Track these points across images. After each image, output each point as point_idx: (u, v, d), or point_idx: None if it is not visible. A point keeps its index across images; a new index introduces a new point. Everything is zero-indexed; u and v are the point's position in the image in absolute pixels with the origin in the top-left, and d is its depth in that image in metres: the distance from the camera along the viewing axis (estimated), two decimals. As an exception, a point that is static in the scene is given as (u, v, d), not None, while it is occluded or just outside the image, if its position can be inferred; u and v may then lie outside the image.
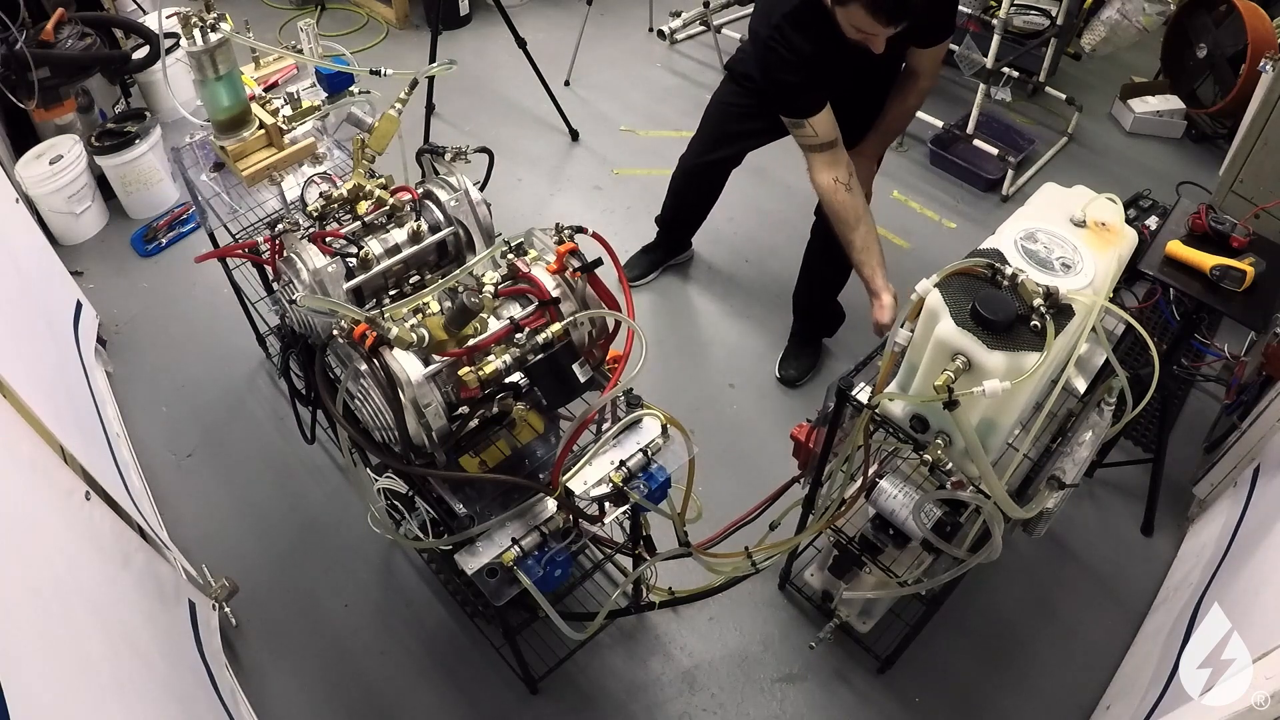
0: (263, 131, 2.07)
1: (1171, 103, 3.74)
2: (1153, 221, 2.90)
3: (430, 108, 3.46)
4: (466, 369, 1.40)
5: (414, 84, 1.93)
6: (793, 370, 2.74)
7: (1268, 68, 2.73)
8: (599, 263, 1.55)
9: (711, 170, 2.67)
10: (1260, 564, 1.66)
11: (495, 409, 1.54)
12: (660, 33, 4.15)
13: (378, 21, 4.44)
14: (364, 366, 1.40)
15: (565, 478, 1.45)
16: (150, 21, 3.36)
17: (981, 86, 3.36)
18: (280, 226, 1.62)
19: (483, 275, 1.52)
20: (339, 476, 2.47)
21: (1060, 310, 1.31)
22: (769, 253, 3.13)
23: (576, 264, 1.52)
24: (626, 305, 1.53)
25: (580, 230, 1.58)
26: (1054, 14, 3.49)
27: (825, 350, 2.82)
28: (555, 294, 1.49)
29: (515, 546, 1.42)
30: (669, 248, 3.05)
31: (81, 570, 1.47)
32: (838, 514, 1.79)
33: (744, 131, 2.48)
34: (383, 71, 2.01)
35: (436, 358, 1.41)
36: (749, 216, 3.24)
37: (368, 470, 1.80)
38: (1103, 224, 1.47)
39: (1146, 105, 3.75)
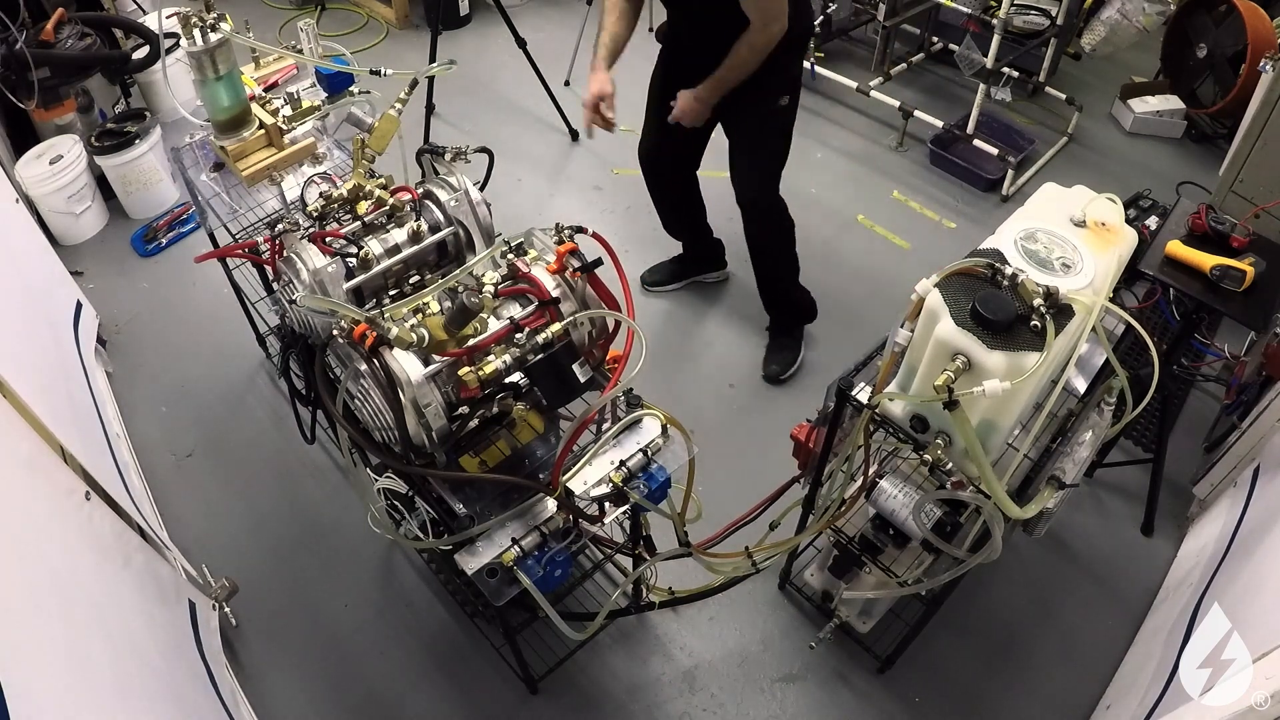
0: (263, 131, 2.07)
1: (1171, 103, 3.74)
2: (1153, 221, 2.91)
3: (430, 108, 3.46)
4: (466, 369, 1.40)
5: (414, 84, 1.93)
6: (775, 366, 2.75)
7: (1268, 68, 2.73)
8: (599, 263, 1.55)
9: (658, 160, 2.62)
10: (1260, 564, 1.66)
11: (495, 409, 1.54)
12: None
13: (378, 21, 4.44)
14: (364, 366, 1.40)
15: (565, 478, 1.45)
16: (150, 21, 3.36)
17: (981, 86, 3.36)
18: (280, 226, 1.62)
19: (483, 275, 1.51)
20: (339, 476, 2.47)
21: (1060, 310, 1.31)
22: (769, 253, 3.12)
23: (576, 264, 1.52)
24: (626, 305, 1.53)
25: (580, 230, 1.58)
26: (1054, 14, 3.49)
27: (809, 339, 2.80)
28: (555, 294, 1.49)
29: (515, 546, 1.42)
30: (694, 260, 3.01)
31: (81, 570, 1.47)
32: (838, 514, 1.79)
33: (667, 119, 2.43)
34: (383, 71, 2.01)
35: (436, 358, 1.41)
36: (749, 216, 3.24)
37: (368, 470, 1.80)
38: (1103, 224, 1.47)
39: (1146, 105, 3.75)
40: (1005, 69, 3.60)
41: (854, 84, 3.70)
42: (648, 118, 2.55)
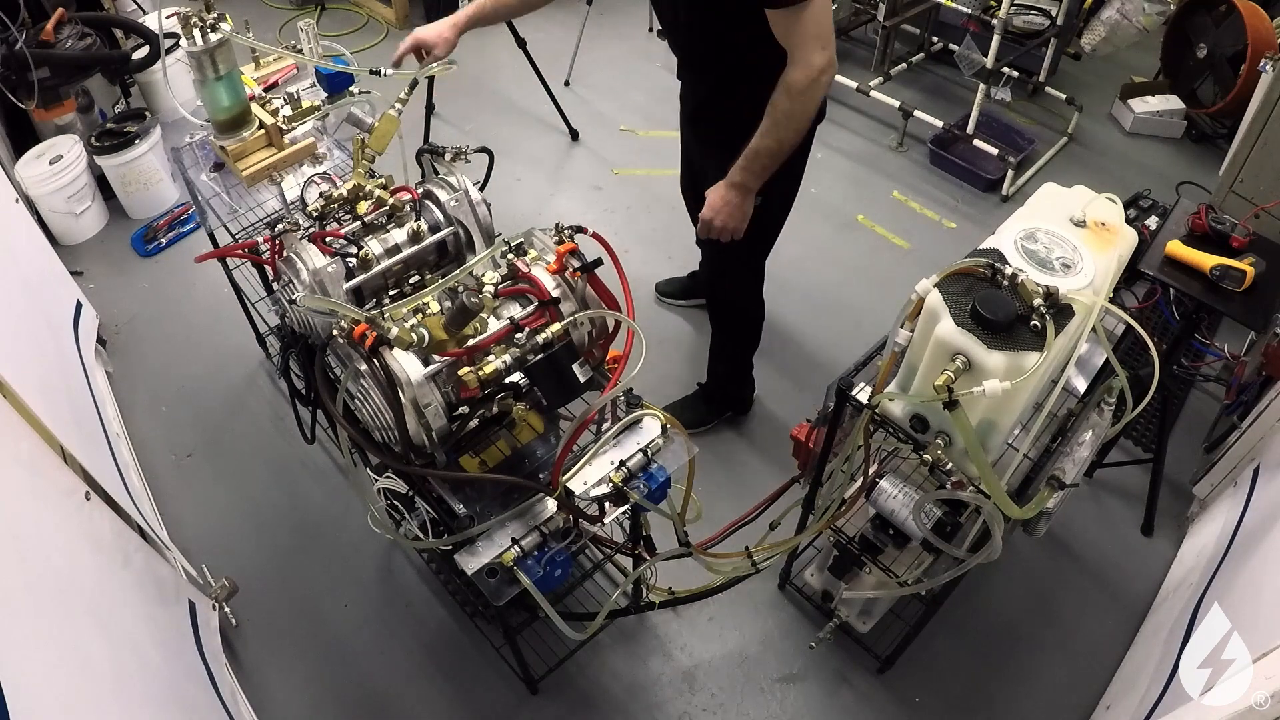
0: (263, 131, 2.06)
1: (1171, 103, 3.74)
2: (1153, 221, 2.89)
3: (430, 108, 3.46)
4: (466, 369, 1.40)
5: (414, 84, 1.94)
6: (682, 415, 2.43)
7: (1268, 68, 2.73)
8: (599, 263, 1.55)
9: (694, 196, 2.33)
10: (1260, 564, 1.66)
11: (495, 409, 1.54)
12: (660, 32, 4.16)
13: (378, 21, 4.44)
14: (364, 366, 1.40)
15: (565, 478, 1.45)
16: (150, 21, 3.36)
17: (981, 86, 3.36)
18: (280, 226, 1.62)
19: (483, 275, 1.51)
20: (339, 476, 2.47)
21: (1060, 310, 1.31)
22: (773, 255, 3.12)
23: (576, 264, 1.52)
24: (626, 305, 1.53)
25: (580, 230, 1.58)
26: (1054, 14, 3.49)
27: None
28: (555, 294, 1.49)
29: (515, 546, 1.42)
30: None
31: (81, 570, 1.47)
32: (838, 514, 1.79)
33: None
34: (383, 71, 2.01)
35: (436, 358, 1.41)
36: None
37: (368, 470, 1.80)
38: (1103, 224, 1.47)
39: (1146, 105, 3.75)
40: (1005, 69, 3.60)
41: (854, 84, 3.70)
42: (682, 149, 2.40)
